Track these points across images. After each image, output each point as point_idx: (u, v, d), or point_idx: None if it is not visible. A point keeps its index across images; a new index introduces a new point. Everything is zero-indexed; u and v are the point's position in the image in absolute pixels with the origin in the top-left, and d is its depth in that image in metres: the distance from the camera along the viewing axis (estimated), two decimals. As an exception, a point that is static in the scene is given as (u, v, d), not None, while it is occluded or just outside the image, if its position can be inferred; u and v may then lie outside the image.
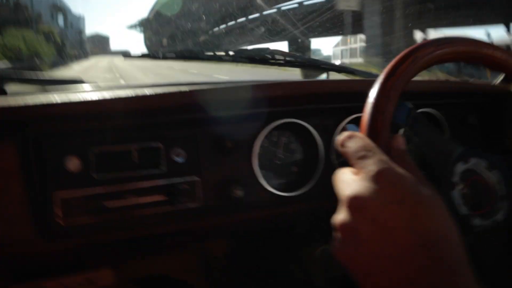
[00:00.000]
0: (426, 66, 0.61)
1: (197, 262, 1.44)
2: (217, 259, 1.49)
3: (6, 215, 0.77)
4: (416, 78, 0.61)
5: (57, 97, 0.79)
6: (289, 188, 0.98)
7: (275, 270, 1.53)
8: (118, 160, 0.85)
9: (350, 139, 0.49)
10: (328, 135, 0.99)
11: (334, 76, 1.29)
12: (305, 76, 1.40)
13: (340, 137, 0.51)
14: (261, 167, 0.97)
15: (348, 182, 0.45)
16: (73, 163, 0.81)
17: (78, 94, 0.82)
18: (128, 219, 0.85)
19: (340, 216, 0.44)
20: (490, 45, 0.65)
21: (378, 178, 0.42)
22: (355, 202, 0.42)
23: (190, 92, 0.84)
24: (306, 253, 1.53)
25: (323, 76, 1.34)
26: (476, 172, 0.65)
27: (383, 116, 0.54)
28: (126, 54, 1.06)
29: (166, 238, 0.93)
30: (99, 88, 1.04)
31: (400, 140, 0.52)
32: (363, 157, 0.45)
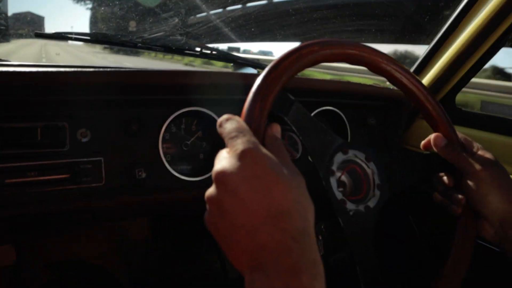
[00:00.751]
0: (310, 64, 0.67)
1: (115, 246, 1.44)
2: (136, 243, 1.50)
3: None
4: (323, 77, 0.67)
5: None
6: (195, 173, 1.03)
7: (193, 257, 1.57)
8: (21, 137, 0.85)
9: (228, 121, 0.54)
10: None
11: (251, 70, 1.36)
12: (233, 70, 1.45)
13: (220, 118, 0.55)
14: (168, 152, 1.01)
15: (219, 159, 0.49)
16: (-28, 137, 0.81)
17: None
18: (28, 195, 0.85)
19: (209, 189, 0.48)
20: (374, 50, 0.72)
21: (242, 155, 0.47)
22: (220, 176, 0.46)
23: (98, 72, 0.86)
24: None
25: (249, 70, 1.40)
26: (355, 162, 0.72)
27: (261, 104, 0.58)
28: (37, 34, 1.04)
29: (70, 215, 0.94)
30: (10, 65, 1.02)
31: (274, 127, 0.57)
32: (234, 137, 0.50)
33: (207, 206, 0.48)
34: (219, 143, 1.05)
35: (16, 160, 0.85)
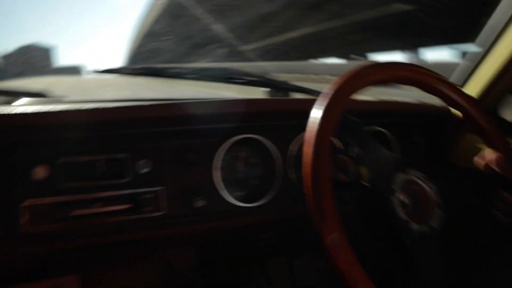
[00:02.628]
0: (366, 86, 0.69)
1: (163, 274, 1.46)
2: (183, 271, 1.51)
3: None
4: (366, 98, 0.69)
5: (24, 108, 0.83)
6: (249, 199, 1.04)
7: (240, 284, 1.57)
8: (84, 170, 0.89)
9: None
10: (284, 150, 1.06)
11: (295, 95, 1.38)
12: (272, 96, 1.48)
13: None
14: (223, 179, 1.03)
15: None
16: (40, 172, 0.84)
17: (45, 106, 0.86)
18: (93, 226, 0.88)
19: None
20: (425, 70, 0.73)
21: None
22: None
23: (155, 106, 0.89)
24: (270, 264, 1.58)
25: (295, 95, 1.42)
26: (415, 182, 0.72)
27: (322, 127, 0.61)
28: (94, 71, 1.10)
29: (131, 245, 0.96)
30: (65, 102, 1.07)
31: None
32: None
33: None
34: (271, 169, 1.07)
35: (81, 192, 0.88)
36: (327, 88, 0.64)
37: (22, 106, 0.94)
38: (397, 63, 0.71)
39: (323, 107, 0.62)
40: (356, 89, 0.66)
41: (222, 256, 1.54)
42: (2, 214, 0.81)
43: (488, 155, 0.75)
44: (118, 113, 0.88)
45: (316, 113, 0.62)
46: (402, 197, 0.70)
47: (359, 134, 0.69)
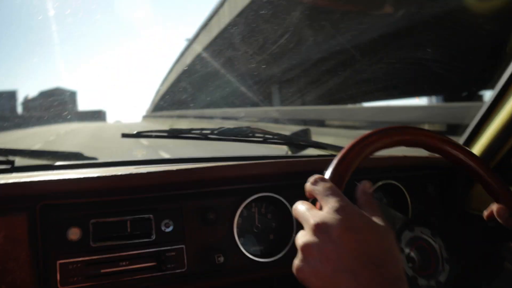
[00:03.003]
0: (373, 152, 0.74)
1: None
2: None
3: (11, 279, 0.87)
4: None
5: (61, 173, 0.92)
6: (266, 254, 1.09)
7: None
8: (113, 230, 0.96)
9: (321, 180, 0.62)
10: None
11: (311, 150, 1.44)
12: (289, 149, 1.55)
13: (312, 177, 0.63)
14: (241, 235, 1.09)
15: (314, 213, 0.57)
16: (74, 233, 0.92)
17: (80, 169, 0.95)
18: (121, 283, 0.95)
19: (305, 238, 0.55)
20: (427, 132, 0.78)
21: (341, 211, 0.55)
22: (322, 227, 0.53)
23: (177, 171, 0.98)
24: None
25: (305, 151, 1.49)
26: (421, 238, 0.76)
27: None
28: (124, 135, 1.20)
29: None
30: (98, 164, 1.17)
31: (366, 184, 0.65)
32: (329, 195, 0.58)
33: (302, 255, 0.55)
34: (287, 224, 1.13)
35: (110, 251, 0.95)
36: (342, 152, 0.69)
37: (62, 169, 1.04)
38: (401, 127, 0.76)
39: (333, 173, 0.67)
40: (364, 155, 0.71)
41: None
42: (37, 273, 0.89)
43: (496, 210, 0.77)
44: (145, 179, 0.96)
45: (327, 175, 0.68)
46: (410, 253, 0.74)
47: None
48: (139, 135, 1.17)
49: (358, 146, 0.71)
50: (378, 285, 0.49)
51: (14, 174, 1.01)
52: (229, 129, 1.24)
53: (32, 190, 0.90)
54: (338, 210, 0.55)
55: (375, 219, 0.56)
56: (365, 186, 0.65)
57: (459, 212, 1.37)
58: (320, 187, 0.60)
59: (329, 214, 0.55)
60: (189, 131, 1.20)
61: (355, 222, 0.54)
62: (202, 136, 1.19)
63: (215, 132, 1.22)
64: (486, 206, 0.81)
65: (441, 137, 0.78)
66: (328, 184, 0.61)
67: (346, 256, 0.51)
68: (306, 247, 0.54)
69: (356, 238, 0.52)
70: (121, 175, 0.93)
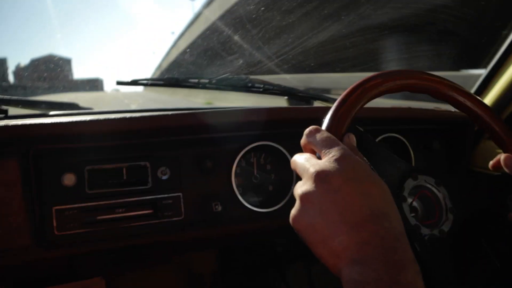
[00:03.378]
0: (375, 96, 0.70)
1: (183, 279, 1.51)
2: (204, 276, 1.55)
3: (7, 224, 0.86)
4: (384, 105, 0.71)
5: (54, 119, 0.89)
6: (265, 205, 1.08)
7: (260, 287, 1.60)
8: (109, 177, 0.95)
9: (318, 131, 0.59)
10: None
11: (316, 103, 1.41)
12: (291, 104, 1.52)
13: (308, 129, 0.60)
14: (239, 185, 1.07)
15: (313, 161, 0.54)
16: (68, 179, 0.90)
17: (74, 116, 0.92)
18: (117, 230, 0.94)
19: (304, 187, 0.52)
20: (434, 77, 0.74)
21: (342, 160, 0.52)
22: (323, 176, 0.51)
23: (174, 115, 0.94)
24: (289, 270, 1.60)
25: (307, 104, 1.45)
26: (425, 187, 0.73)
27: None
28: (118, 82, 1.16)
29: (153, 248, 1.01)
30: (93, 112, 1.14)
31: (352, 137, 0.63)
32: (328, 145, 0.55)
33: (300, 205, 0.52)
34: (286, 175, 1.11)
35: (106, 198, 0.94)
36: (340, 98, 0.66)
37: (56, 116, 1.01)
38: (406, 71, 0.72)
39: (332, 118, 0.65)
40: (365, 99, 0.68)
41: (242, 261, 1.57)
42: (32, 219, 0.88)
43: (503, 159, 0.75)
44: (141, 123, 0.93)
45: (325, 124, 0.65)
46: (412, 202, 0.72)
47: (368, 143, 0.70)
48: (134, 82, 1.14)
49: (357, 92, 0.68)
50: (381, 239, 0.46)
51: (6, 121, 0.99)
52: (227, 78, 1.21)
53: (24, 134, 0.87)
54: (339, 159, 0.52)
55: (374, 172, 0.53)
56: (350, 139, 0.62)
57: (464, 169, 1.35)
58: (317, 138, 0.57)
59: (329, 163, 0.52)
60: (186, 79, 1.17)
61: (357, 172, 0.51)
62: (200, 84, 1.16)
63: (213, 81, 1.18)
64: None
65: (449, 83, 0.75)
66: (325, 134, 0.58)
67: (347, 208, 0.48)
68: (305, 196, 0.51)
69: (358, 190, 0.49)
70: (115, 119, 0.90)
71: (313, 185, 0.51)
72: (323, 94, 1.38)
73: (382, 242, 0.46)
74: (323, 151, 0.55)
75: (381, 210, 0.49)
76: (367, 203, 0.48)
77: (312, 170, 0.52)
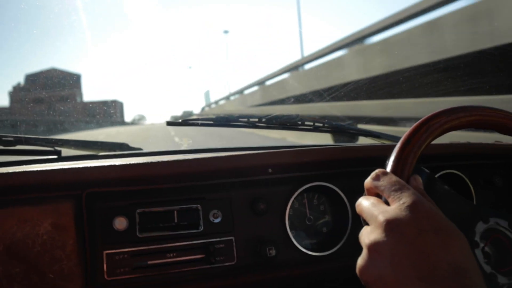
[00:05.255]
0: (440, 134, 0.67)
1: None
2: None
3: (59, 269, 0.85)
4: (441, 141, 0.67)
5: (106, 161, 0.89)
6: (320, 247, 1.03)
7: None
8: (160, 220, 0.93)
9: (385, 175, 0.55)
10: (356, 196, 1.04)
11: (362, 140, 1.36)
12: (336, 140, 1.48)
13: (374, 172, 0.56)
14: (292, 227, 1.02)
15: (382, 208, 0.50)
16: (120, 223, 0.89)
17: (124, 158, 0.92)
18: (168, 276, 0.91)
19: (373, 236, 0.48)
20: (499, 112, 0.70)
21: (414, 208, 0.47)
22: (393, 226, 0.46)
23: (225, 157, 0.93)
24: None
25: (354, 140, 1.42)
26: (498, 230, 0.68)
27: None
28: (169, 122, 1.17)
29: None
30: (143, 154, 1.14)
31: (418, 180, 0.58)
32: (399, 190, 0.51)
33: (368, 255, 0.48)
34: (341, 216, 1.06)
35: (157, 242, 0.91)
36: (404, 136, 0.63)
37: (107, 158, 1.02)
38: (470, 107, 0.69)
39: (397, 159, 0.61)
40: (430, 138, 0.65)
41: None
42: (84, 262, 0.86)
43: None
44: (192, 166, 0.92)
45: (389, 165, 0.62)
46: (484, 247, 0.66)
47: (434, 185, 0.66)
48: (185, 122, 1.14)
49: (421, 130, 0.65)
50: None
51: (61, 163, 1.00)
52: (277, 116, 1.19)
53: (77, 177, 0.87)
54: (411, 207, 0.47)
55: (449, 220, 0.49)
56: (416, 181, 0.58)
57: None
58: (384, 182, 0.53)
59: (400, 210, 0.48)
60: (236, 118, 1.16)
61: (432, 222, 0.46)
62: (250, 124, 1.14)
63: (263, 120, 1.17)
64: None
65: None
66: (393, 178, 0.54)
67: (422, 262, 0.44)
68: (374, 246, 0.47)
69: (434, 242, 0.45)
70: (166, 161, 0.89)
71: (384, 235, 0.47)
72: (373, 131, 1.33)
73: None
74: (392, 196, 0.51)
75: (460, 265, 0.44)
76: (444, 257, 0.44)
77: (381, 218, 0.48)
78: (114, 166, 0.87)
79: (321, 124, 1.22)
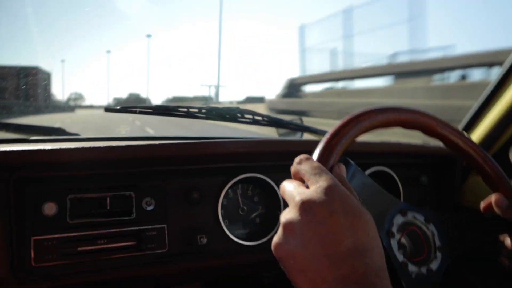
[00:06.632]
0: (368, 130, 0.70)
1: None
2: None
3: None
4: (373, 139, 0.70)
5: (36, 145, 0.87)
6: (252, 238, 1.06)
7: None
8: (92, 206, 0.92)
9: (308, 160, 0.58)
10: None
11: (307, 136, 1.40)
12: (281, 134, 1.51)
13: (298, 157, 0.59)
14: (226, 217, 1.05)
15: (301, 190, 0.53)
16: (49, 208, 0.88)
17: (58, 143, 0.90)
18: (98, 262, 0.91)
19: (289, 215, 0.51)
20: (426, 115, 0.74)
21: (328, 191, 0.50)
22: (307, 207, 0.49)
23: (161, 145, 0.93)
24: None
25: (297, 135, 1.45)
26: (414, 224, 0.73)
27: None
28: (107, 109, 1.15)
29: (135, 282, 0.97)
30: (78, 139, 1.12)
31: (342, 168, 0.61)
32: (317, 174, 0.54)
33: (283, 233, 0.51)
34: (274, 207, 1.09)
35: (88, 228, 0.91)
36: (332, 129, 0.65)
37: (39, 142, 0.99)
38: (401, 107, 0.73)
39: (324, 148, 0.64)
40: (358, 132, 0.68)
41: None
42: (10, 249, 0.84)
43: (495, 200, 0.74)
44: (126, 152, 0.91)
45: (316, 153, 0.64)
46: (401, 239, 0.71)
47: (358, 176, 0.70)
48: (123, 109, 1.12)
49: (350, 124, 0.67)
50: (361, 276, 0.45)
51: None
52: (217, 108, 1.20)
53: (5, 161, 0.85)
54: (325, 190, 0.50)
55: (361, 205, 0.52)
56: (340, 169, 0.61)
57: (453, 204, 1.34)
58: (306, 166, 0.56)
59: (316, 193, 0.51)
60: (175, 108, 1.16)
61: (343, 205, 0.50)
62: (189, 114, 1.15)
63: (203, 111, 1.17)
64: (480, 199, 0.78)
65: (440, 121, 0.75)
66: (315, 164, 0.57)
67: (330, 242, 0.47)
68: (289, 225, 0.50)
69: (342, 223, 0.48)
70: (100, 147, 0.88)
71: (297, 214, 0.50)
72: (313, 127, 1.37)
73: (362, 278, 0.45)
74: (311, 180, 0.54)
75: (363, 245, 0.47)
76: (350, 237, 0.47)
77: (298, 198, 0.51)
78: (44, 150, 0.86)
79: (260, 118, 1.24)
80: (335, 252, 0.46)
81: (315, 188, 0.51)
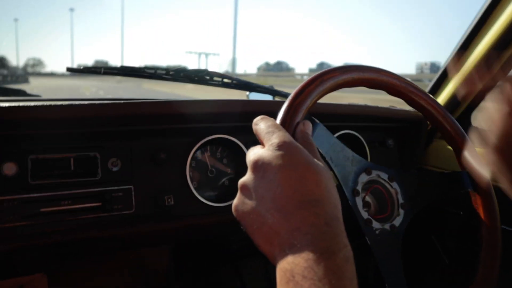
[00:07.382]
0: (332, 89, 0.70)
1: (136, 276, 1.46)
2: (157, 273, 1.51)
3: None
4: (341, 101, 0.70)
5: None
6: (220, 199, 1.06)
7: (215, 283, 1.57)
8: (55, 167, 0.89)
9: (263, 119, 0.58)
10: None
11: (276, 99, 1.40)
12: (246, 97, 1.50)
13: (256, 118, 0.59)
14: (194, 179, 1.04)
15: (255, 151, 0.53)
16: (8, 168, 0.85)
17: (19, 102, 0.86)
18: (62, 224, 0.89)
19: (245, 176, 0.51)
20: (391, 74, 0.75)
21: (278, 147, 0.51)
22: (257, 165, 0.50)
23: (127, 104, 0.90)
24: (245, 266, 1.58)
25: (268, 98, 1.44)
26: (378, 182, 0.74)
27: (288, 129, 0.62)
28: (69, 69, 1.10)
29: (100, 243, 0.96)
30: (40, 99, 1.08)
31: (307, 124, 0.61)
32: (271, 132, 0.54)
33: (239, 194, 0.51)
34: (243, 170, 1.08)
35: (51, 189, 0.88)
36: (297, 88, 0.65)
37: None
38: (364, 66, 0.73)
39: (288, 107, 0.64)
40: (322, 91, 0.68)
41: (197, 257, 1.54)
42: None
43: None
44: (89, 110, 0.89)
45: (280, 113, 0.64)
46: (365, 197, 0.72)
47: (323, 134, 0.70)
48: (87, 69, 1.09)
49: (315, 83, 0.67)
50: (310, 226, 0.45)
51: None
52: (185, 69, 1.18)
53: None
54: (277, 146, 0.51)
55: (314, 158, 0.52)
56: (305, 126, 0.61)
57: (416, 167, 1.38)
58: (261, 126, 0.56)
59: (268, 150, 0.51)
60: (142, 69, 1.13)
61: (294, 158, 0.50)
62: (156, 76, 1.12)
63: (171, 72, 1.15)
64: (442, 163, 0.80)
65: (405, 81, 0.76)
66: (269, 122, 0.57)
67: (280, 195, 0.47)
68: (243, 185, 0.51)
69: (293, 176, 0.48)
70: (62, 105, 0.85)
71: (251, 173, 0.50)
72: (283, 90, 1.37)
73: (312, 229, 0.45)
74: (265, 138, 0.54)
75: (314, 196, 0.48)
76: (300, 189, 0.47)
77: (251, 158, 0.51)
78: (3, 106, 0.82)
79: (229, 81, 1.23)
80: (285, 206, 0.47)
81: (268, 146, 0.52)
